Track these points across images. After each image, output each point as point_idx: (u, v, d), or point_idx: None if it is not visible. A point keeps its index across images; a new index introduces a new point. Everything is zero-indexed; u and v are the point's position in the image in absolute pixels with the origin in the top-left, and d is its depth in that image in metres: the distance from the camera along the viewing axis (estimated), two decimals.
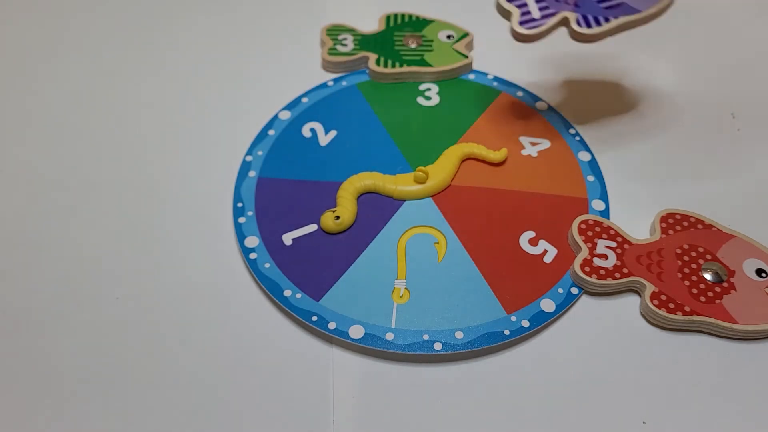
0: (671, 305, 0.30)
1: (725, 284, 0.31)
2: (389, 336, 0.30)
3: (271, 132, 0.39)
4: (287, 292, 0.32)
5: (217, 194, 0.36)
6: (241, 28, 0.46)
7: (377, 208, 0.35)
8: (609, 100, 0.41)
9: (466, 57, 0.42)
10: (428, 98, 0.41)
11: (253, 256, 0.33)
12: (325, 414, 0.29)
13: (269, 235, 0.34)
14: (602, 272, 0.31)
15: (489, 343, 0.30)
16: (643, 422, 0.28)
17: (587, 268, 0.31)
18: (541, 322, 0.31)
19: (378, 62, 0.41)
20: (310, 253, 0.33)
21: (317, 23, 0.45)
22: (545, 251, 0.33)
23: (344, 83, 0.41)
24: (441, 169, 0.36)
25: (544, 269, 0.32)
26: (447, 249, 0.33)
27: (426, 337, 0.30)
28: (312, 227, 0.34)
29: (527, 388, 0.29)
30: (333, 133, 0.39)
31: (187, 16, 0.47)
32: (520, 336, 0.30)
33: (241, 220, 0.34)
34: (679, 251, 0.32)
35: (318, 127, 0.39)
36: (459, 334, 0.30)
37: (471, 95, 0.41)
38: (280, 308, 0.32)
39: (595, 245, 0.32)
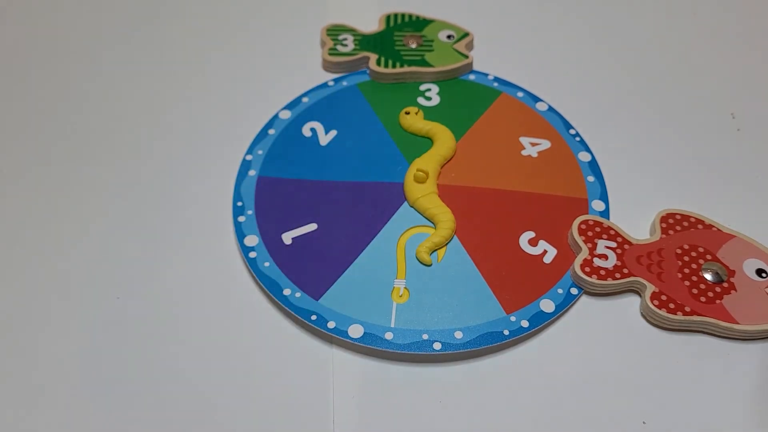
0: (671, 305, 0.30)
1: (725, 284, 0.31)
2: (389, 335, 0.30)
3: (272, 131, 0.39)
4: (287, 291, 0.32)
5: (217, 193, 0.36)
6: (241, 28, 0.46)
7: (377, 208, 0.35)
8: (609, 100, 0.41)
9: (467, 57, 0.42)
10: (428, 98, 0.41)
11: (252, 255, 0.33)
12: (325, 414, 0.29)
13: (269, 234, 0.34)
14: (602, 272, 0.31)
15: (488, 343, 0.30)
16: (643, 422, 0.28)
17: (587, 269, 0.31)
18: (541, 322, 0.31)
19: (378, 62, 0.41)
20: (309, 252, 0.33)
21: (317, 23, 0.45)
22: (545, 251, 0.33)
23: (345, 83, 0.41)
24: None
25: (543, 269, 0.32)
26: (447, 249, 0.33)
27: (425, 336, 0.30)
28: (312, 226, 0.34)
29: (527, 388, 0.29)
30: (333, 133, 0.39)
31: (188, 15, 0.47)
32: (520, 336, 0.30)
33: (241, 218, 0.34)
34: (679, 251, 0.32)
35: (318, 126, 0.39)
36: (458, 334, 0.30)
37: (471, 95, 0.41)
38: (279, 307, 0.32)
39: (595, 245, 0.32)
